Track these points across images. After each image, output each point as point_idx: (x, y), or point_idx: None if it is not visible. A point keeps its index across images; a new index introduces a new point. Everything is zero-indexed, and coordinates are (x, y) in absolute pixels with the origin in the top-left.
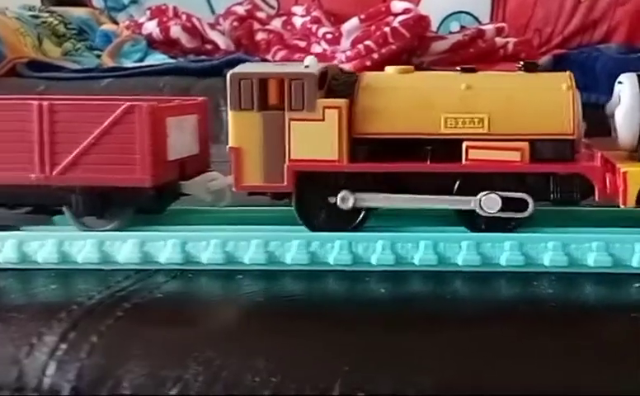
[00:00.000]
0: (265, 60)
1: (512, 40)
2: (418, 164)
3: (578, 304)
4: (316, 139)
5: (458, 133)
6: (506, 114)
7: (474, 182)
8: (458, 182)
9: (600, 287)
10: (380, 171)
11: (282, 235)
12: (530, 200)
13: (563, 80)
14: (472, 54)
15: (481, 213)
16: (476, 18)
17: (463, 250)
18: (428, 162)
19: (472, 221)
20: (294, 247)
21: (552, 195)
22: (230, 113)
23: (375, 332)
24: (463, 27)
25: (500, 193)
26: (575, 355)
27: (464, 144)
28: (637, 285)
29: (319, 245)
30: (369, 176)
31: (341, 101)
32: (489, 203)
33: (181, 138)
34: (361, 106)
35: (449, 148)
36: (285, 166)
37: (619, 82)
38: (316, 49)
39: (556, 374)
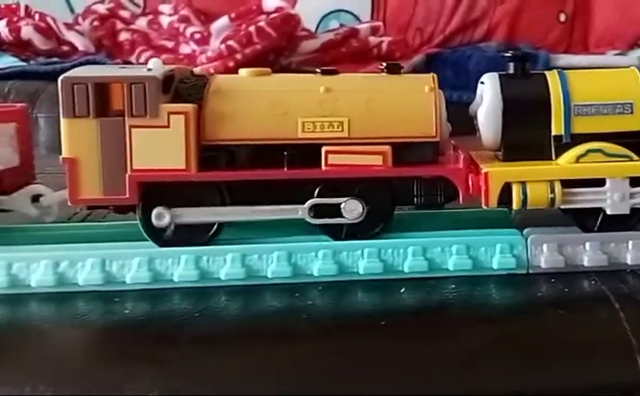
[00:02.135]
0: (129, 62)
1: (387, 39)
2: (273, 171)
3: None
4: (161, 147)
5: (316, 137)
6: (368, 117)
7: (335, 188)
8: (318, 189)
9: (371, 294)
10: (232, 180)
11: (122, 253)
12: (362, 206)
13: (426, 82)
14: (344, 53)
15: (310, 221)
16: (356, 17)
17: (273, 262)
18: (285, 169)
19: (333, 230)
20: (135, 264)
21: (415, 199)
22: (63, 121)
23: (225, 349)
24: (342, 26)
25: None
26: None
27: (323, 149)
28: (402, 289)
29: (161, 262)
30: (223, 186)
31: (188, 107)
32: (349, 209)
33: None
34: (211, 111)
35: (307, 153)
36: (127, 176)
37: (481, 83)
38: (185, 49)
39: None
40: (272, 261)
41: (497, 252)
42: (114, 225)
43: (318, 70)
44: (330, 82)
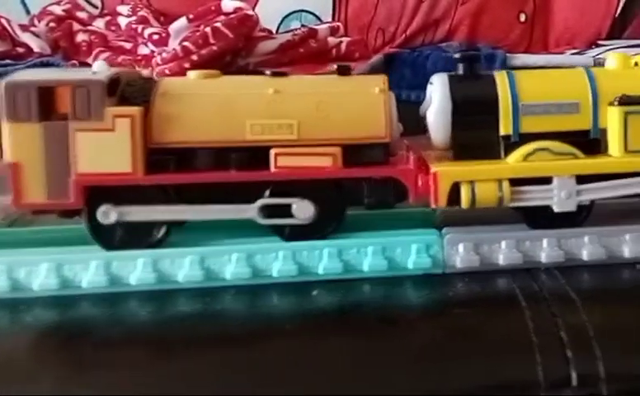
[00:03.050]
0: (86, 64)
1: (346, 39)
2: (220, 174)
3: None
4: (106, 150)
5: (265, 140)
6: (317, 119)
7: (286, 190)
8: (268, 191)
9: (284, 298)
10: (180, 183)
11: (29, 259)
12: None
13: (377, 83)
14: (302, 54)
15: (260, 222)
16: (318, 17)
17: (185, 266)
18: (233, 172)
19: (282, 231)
20: (43, 271)
21: (366, 200)
22: (5, 125)
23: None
24: (303, 26)
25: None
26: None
27: (272, 151)
28: (315, 291)
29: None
30: (171, 190)
31: (134, 109)
32: (300, 210)
33: None
34: (158, 113)
35: (256, 156)
36: (71, 180)
37: (431, 83)
38: (143, 50)
39: None
40: (184, 266)
41: (413, 253)
42: (25, 231)
43: (268, 72)
44: (279, 84)
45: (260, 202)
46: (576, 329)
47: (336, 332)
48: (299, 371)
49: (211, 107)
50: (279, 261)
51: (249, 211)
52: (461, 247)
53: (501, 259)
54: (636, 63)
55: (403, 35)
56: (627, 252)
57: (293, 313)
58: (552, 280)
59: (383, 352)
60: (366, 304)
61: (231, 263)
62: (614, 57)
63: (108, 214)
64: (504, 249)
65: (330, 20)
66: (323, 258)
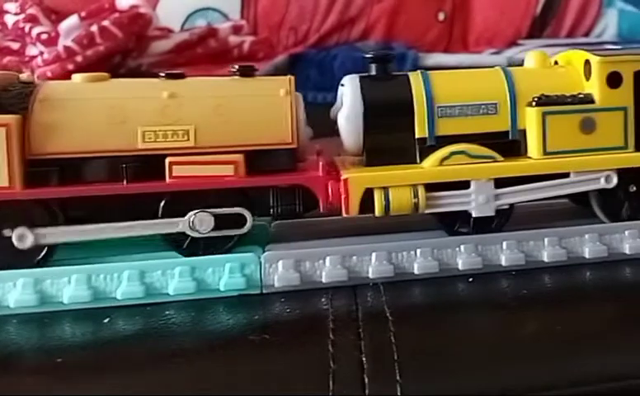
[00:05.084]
0: None
1: (249, 38)
2: (109, 186)
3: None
4: None
5: (159, 148)
6: (216, 124)
7: (183, 202)
8: (163, 203)
9: (78, 325)
10: (65, 196)
11: None
12: (248, 215)
13: (282, 85)
14: (200, 54)
15: (191, 234)
16: (225, 15)
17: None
18: (124, 184)
19: (182, 244)
20: None
21: (272, 210)
22: None
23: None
24: (208, 25)
25: (211, 211)
26: None
27: (167, 160)
28: (107, 318)
29: None
30: (55, 204)
31: (10, 118)
32: (200, 222)
33: None
34: (38, 122)
35: (150, 165)
36: None
37: (342, 85)
38: (32, 51)
39: None
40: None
41: (226, 273)
42: None
43: (162, 74)
44: (174, 87)
45: (190, 214)
46: (380, 352)
47: (116, 366)
48: None
49: (98, 113)
50: (70, 285)
51: (180, 225)
52: (280, 265)
53: (324, 276)
54: (556, 62)
55: (317, 34)
56: (460, 264)
57: (77, 342)
58: (373, 298)
59: (155, 388)
60: (155, 333)
61: (16, 289)
62: (532, 56)
63: (24, 238)
64: (327, 266)
65: (238, 18)
66: (122, 281)
